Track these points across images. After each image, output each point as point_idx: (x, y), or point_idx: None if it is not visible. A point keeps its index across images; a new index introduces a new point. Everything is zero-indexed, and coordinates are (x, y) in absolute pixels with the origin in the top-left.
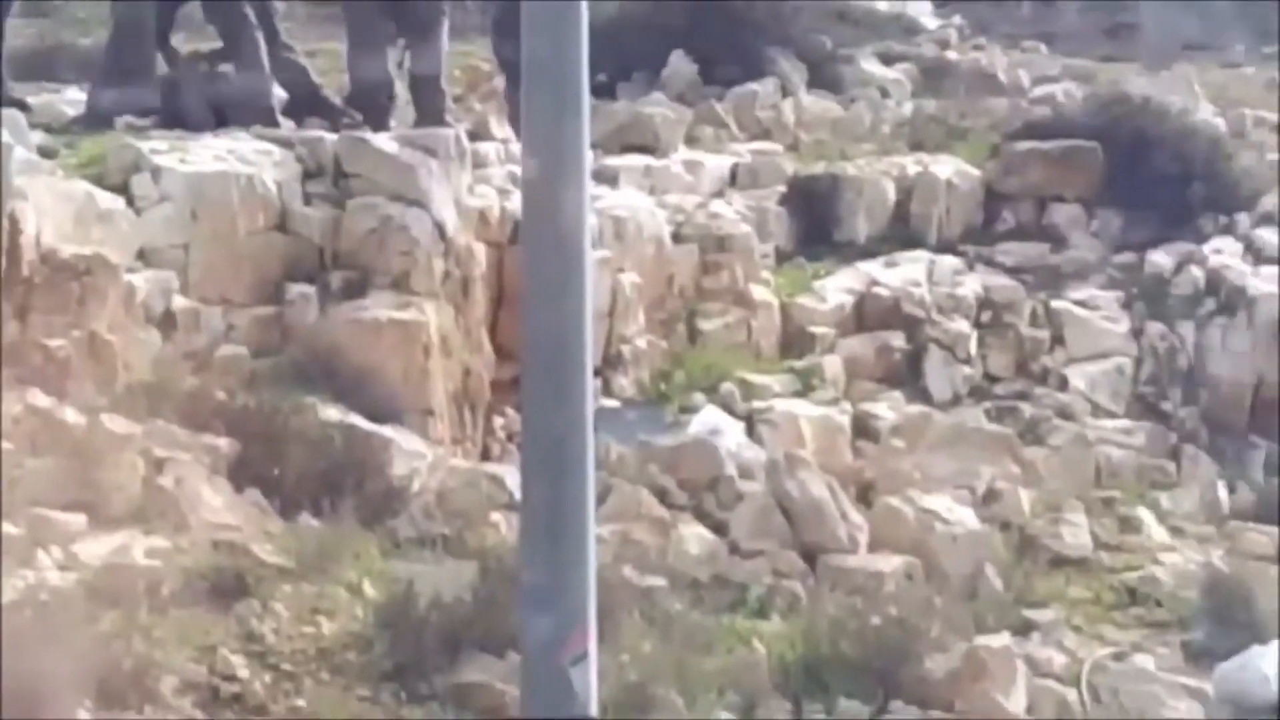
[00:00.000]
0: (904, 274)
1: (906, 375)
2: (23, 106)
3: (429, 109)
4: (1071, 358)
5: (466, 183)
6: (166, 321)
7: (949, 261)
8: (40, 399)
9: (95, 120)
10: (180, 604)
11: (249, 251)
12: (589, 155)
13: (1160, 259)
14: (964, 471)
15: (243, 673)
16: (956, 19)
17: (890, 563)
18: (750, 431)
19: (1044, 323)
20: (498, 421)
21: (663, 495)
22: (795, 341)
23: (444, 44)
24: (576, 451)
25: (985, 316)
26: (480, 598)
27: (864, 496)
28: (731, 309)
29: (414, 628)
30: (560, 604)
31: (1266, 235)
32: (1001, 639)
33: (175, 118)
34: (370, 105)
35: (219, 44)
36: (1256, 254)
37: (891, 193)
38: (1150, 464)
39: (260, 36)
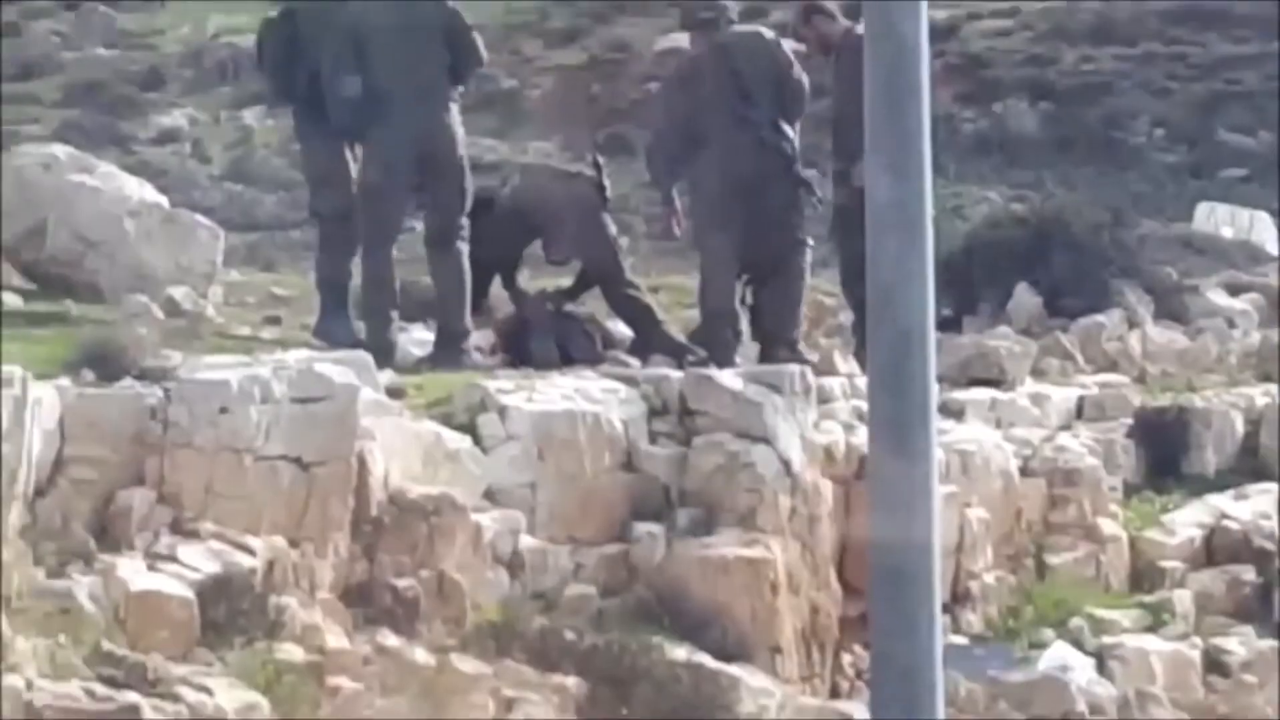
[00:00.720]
0: (1254, 507)
1: (1257, 610)
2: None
3: (776, 345)
4: None
5: (812, 419)
6: (514, 561)
7: None
8: (390, 639)
9: (443, 360)
10: None
11: (596, 490)
12: (935, 389)
13: None
14: None
15: None
16: None
17: None
18: (1100, 667)
19: None
20: (846, 659)
21: None
22: (1144, 575)
23: (802, 281)
24: (926, 688)
25: None
26: None
27: None
28: (1080, 543)
29: None
30: None
31: None
32: None
33: (522, 356)
34: (716, 341)
35: (565, 282)
36: None
37: (1240, 424)
38: None
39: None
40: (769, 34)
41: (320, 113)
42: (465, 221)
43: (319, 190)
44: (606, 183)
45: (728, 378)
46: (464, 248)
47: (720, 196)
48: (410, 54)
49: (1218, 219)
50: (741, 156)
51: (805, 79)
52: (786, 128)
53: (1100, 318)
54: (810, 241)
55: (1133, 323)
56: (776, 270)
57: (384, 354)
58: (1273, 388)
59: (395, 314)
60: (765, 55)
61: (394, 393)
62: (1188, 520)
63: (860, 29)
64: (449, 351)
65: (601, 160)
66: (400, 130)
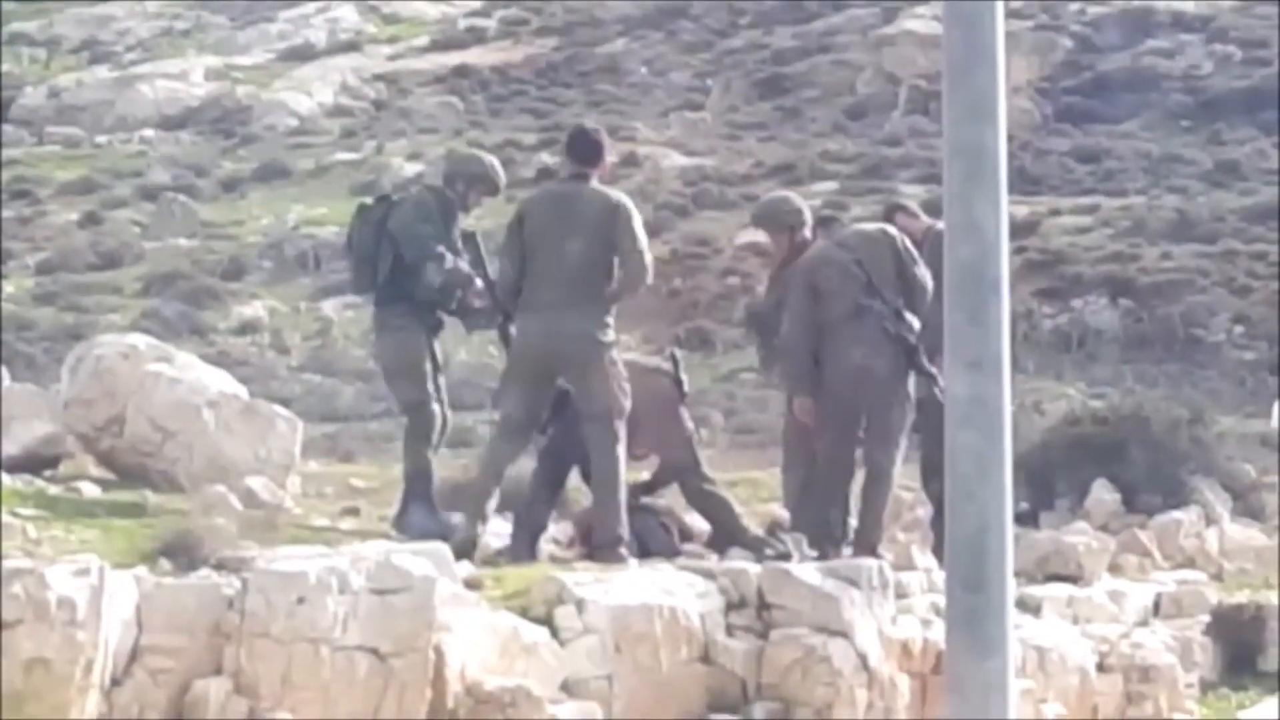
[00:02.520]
0: None
1: None
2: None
3: (857, 547)
4: None
5: (890, 613)
6: None
7: None
8: None
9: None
10: None
11: (672, 683)
12: (1013, 584)
13: None
14: None
15: None
16: None
17: None
18: None
19: None
20: None
21: None
22: None
23: (890, 481)
24: None
25: None
26: None
27: None
28: None
29: None
30: None
31: None
32: None
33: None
34: (824, 536)
35: (643, 476)
36: None
37: None
38: None
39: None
40: (891, 230)
41: (402, 303)
42: (618, 427)
43: (394, 380)
44: (684, 377)
45: (806, 572)
46: (621, 453)
47: (841, 388)
48: (564, 253)
49: None
50: (864, 347)
51: (929, 276)
52: (911, 319)
53: (1178, 514)
54: (903, 438)
55: (1210, 520)
56: (869, 467)
57: (466, 551)
58: None
59: (491, 510)
60: (887, 249)
61: (472, 584)
62: (1264, 717)
63: (941, 225)
64: (604, 553)
65: (680, 354)
66: (537, 331)
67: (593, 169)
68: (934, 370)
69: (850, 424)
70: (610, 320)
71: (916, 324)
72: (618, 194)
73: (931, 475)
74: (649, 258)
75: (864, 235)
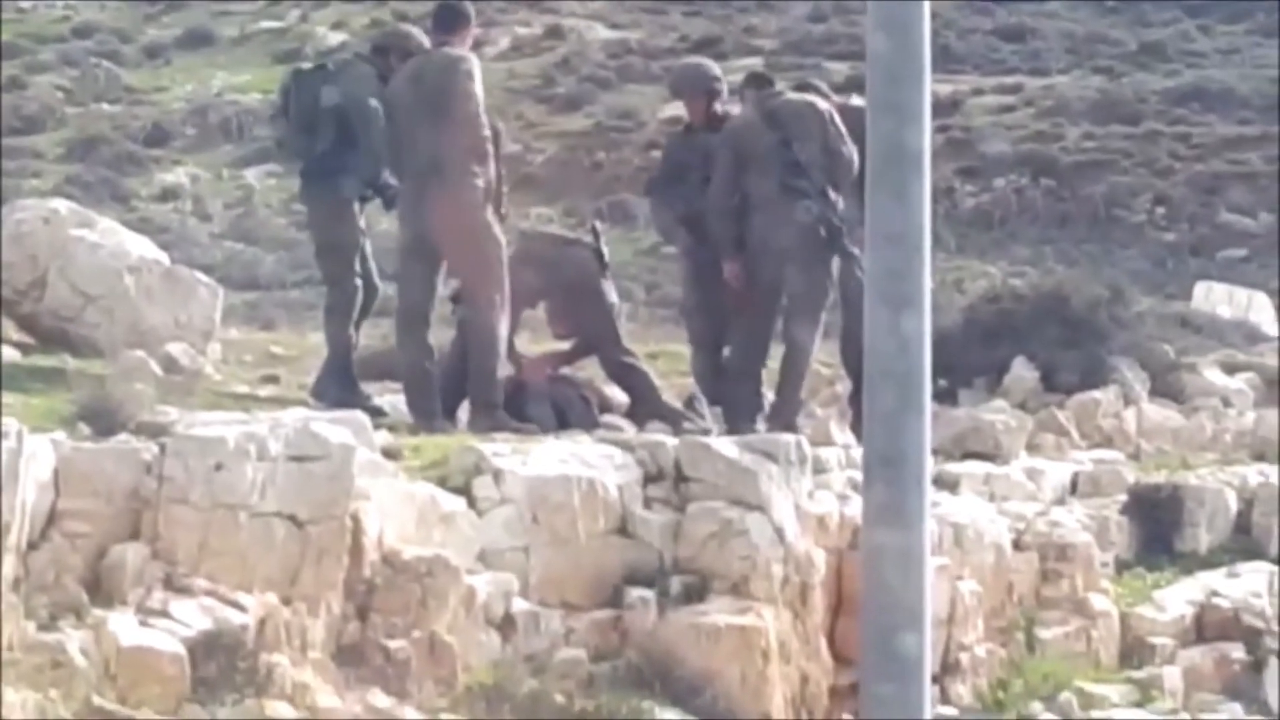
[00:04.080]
0: (1245, 585)
1: (1246, 687)
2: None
3: (772, 422)
4: None
5: (807, 488)
6: (506, 624)
7: None
8: (380, 699)
9: (478, 427)
10: None
11: (589, 555)
12: (930, 461)
13: None
14: None
15: None
16: None
17: None
18: None
19: None
20: None
21: None
22: (1134, 651)
23: (808, 358)
24: None
25: None
26: None
27: None
28: (1071, 618)
29: None
30: None
31: None
32: None
33: (518, 419)
34: (743, 407)
35: (562, 346)
36: None
37: (1233, 503)
38: None
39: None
40: (822, 105)
41: (332, 174)
42: (495, 297)
43: (324, 253)
44: (605, 249)
45: (723, 445)
46: (495, 318)
47: (762, 264)
48: (422, 122)
49: (1216, 298)
50: (787, 226)
51: (855, 153)
52: (836, 199)
53: (1096, 394)
54: (822, 316)
55: (1128, 399)
56: (787, 342)
57: (428, 424)
58: (1266, 467)
59: (436, 391)
60: (816, 126)
61: (390, 454)
62: (1179, 597)
63: (859, 101)
64: (478, 416)
65: (601, 227)
66: (415, 206)
67: (454, 37)
68: (856, 251)
69: (770, 303)
70: (479, 183)
71: (841, 204)
72: (460, 51)
73: (851, 350)
74: (474, 107)
75: (794, 110)
